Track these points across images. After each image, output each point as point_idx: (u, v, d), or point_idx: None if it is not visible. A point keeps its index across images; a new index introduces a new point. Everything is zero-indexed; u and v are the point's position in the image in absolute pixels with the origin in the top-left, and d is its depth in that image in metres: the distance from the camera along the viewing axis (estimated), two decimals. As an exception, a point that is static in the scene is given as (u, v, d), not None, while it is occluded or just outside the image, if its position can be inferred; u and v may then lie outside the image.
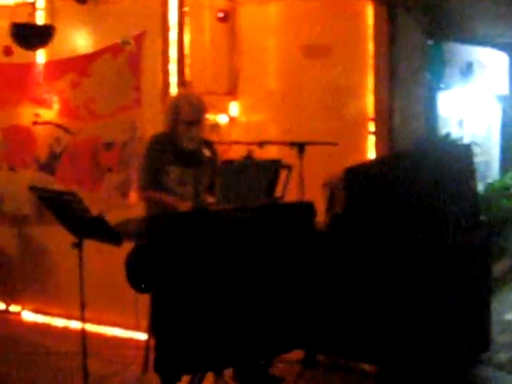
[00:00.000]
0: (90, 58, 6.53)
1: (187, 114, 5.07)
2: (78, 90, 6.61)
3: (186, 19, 6.23)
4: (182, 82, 6.14)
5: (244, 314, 4.38)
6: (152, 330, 4.87)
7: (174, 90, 6.12)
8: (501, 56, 8.67)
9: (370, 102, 6.44)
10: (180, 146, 5.12)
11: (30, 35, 6.39)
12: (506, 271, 8.71)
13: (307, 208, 4.79)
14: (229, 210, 4.50)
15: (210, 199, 4.98)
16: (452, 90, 7.80)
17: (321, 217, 5.25)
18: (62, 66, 6.71)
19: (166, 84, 6.14)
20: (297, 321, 4.71)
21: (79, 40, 6.68)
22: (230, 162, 4.86)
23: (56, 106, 6.78)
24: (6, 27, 6.41)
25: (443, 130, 7.70)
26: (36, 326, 6.91)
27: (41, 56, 6.85)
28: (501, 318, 6.82)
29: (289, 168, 4.81)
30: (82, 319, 4.64)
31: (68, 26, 6.60)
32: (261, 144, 5.21)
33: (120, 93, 6.37)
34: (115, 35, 6.30)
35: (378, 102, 6.42)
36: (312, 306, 4.82)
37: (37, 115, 6.91)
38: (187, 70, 6.23)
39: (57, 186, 6.52)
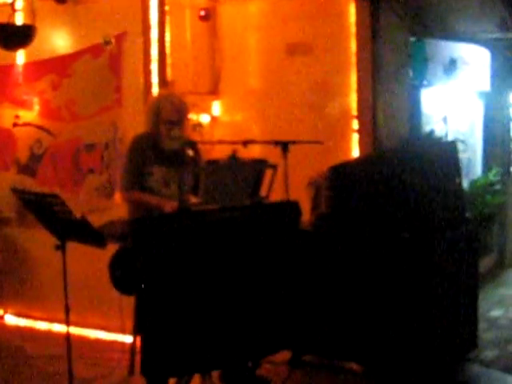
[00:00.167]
0: (70, 59, 6.48)
1: (169, 113, 5.03)
2: (59, 90, 6.55)
3: (167, 18, 6.18)
4: (163, 82, 6.09)
5: (230, 315, 4.35)
6: (138, 333, 4.83)
7: (155, 89, 6.06)
8: (483, 52, 8.69)
9: (353, 100, 6.44)
10: (162, 146, 5.07)
11: (10, 36, 6.31)
12: (491, 267, 8.75)
13: (292, 207, 4.76)
14: (214, 210, 4.46)
15: (194, 199, 4.94)
16: (435, 87, 7.79)
17: (306, 216, 5.22)
18: (42, 67, 6.65)
19: (148, 84, 6.08)
20: (283, 321, 4.68)
21: (59, 40, 6.61)
22: (214, 162, 4.82)
23: (36, 108, 6.72)
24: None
25: (427, 127, 7.70)
26: (19, 330, 6.84)
27: (21, 57, 6.79)
28: (486, 314, 6.84)
29: (274, 167, 4.79)
30: (67, 322, 4.60)
31: (47, 26, 6.52)
32: (245, 143, 5.18)
33: (101, 93, 6.31)
34: (95, 35, 6.24)
35: (361, 99, 6.41)
36: (298, 306, 4.79)
37: (17, 117, 6.85)
38: (168, 70, 6.18)
39: (38, 188, 6.45)
